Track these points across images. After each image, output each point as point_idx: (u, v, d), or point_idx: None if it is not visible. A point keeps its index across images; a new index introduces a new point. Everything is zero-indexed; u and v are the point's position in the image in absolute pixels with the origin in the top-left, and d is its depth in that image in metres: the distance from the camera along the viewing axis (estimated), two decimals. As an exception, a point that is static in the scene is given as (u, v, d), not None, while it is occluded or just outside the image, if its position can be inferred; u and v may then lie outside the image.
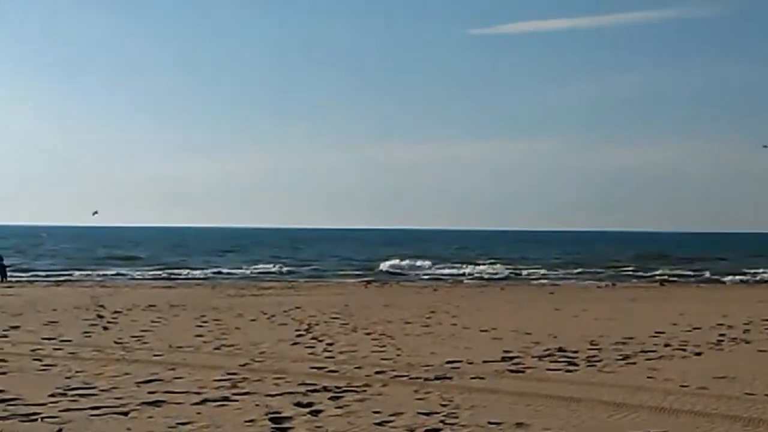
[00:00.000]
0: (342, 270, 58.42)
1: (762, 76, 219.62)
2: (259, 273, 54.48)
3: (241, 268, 57.40)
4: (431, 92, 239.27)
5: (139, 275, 50.16)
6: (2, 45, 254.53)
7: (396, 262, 61.79)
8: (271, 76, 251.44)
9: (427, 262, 61.91)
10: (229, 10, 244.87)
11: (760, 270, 59.84)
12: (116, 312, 23.42)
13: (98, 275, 49.74)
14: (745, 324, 21.21)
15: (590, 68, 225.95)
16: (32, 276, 48.22)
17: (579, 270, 59.92)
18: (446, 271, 58.20)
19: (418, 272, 56.85)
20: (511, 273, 56.90)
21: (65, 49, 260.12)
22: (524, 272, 57.20)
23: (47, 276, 48.39)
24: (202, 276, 50.97)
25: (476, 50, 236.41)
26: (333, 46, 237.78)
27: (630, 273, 58.27)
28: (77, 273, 51.48)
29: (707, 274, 57.08)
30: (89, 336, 17.93)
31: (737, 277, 54.23)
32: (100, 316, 22.17)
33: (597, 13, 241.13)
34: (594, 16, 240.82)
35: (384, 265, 60.45)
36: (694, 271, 60.05)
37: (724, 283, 50.49)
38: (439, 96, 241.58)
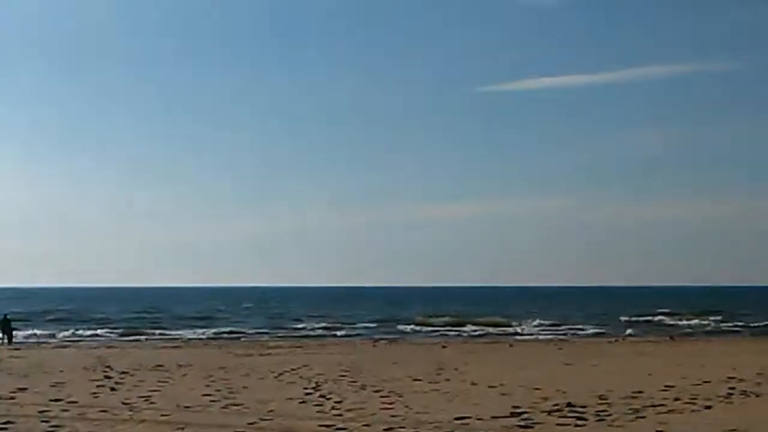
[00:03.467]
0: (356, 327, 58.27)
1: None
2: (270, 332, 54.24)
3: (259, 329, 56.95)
4: (439, 150, 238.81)
5: (145, 338, 49.91)
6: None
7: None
8: (268, 131, 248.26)
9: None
10: (220, 58, 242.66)
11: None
12: (123, 372, 23.36)
13: (105, 337, 49.67)
14: (756, 376, 21.09)
15: (599, 127, 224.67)
16: (38, 338, 48.12)
17: (593, 325, 59.85)
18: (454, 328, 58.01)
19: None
20: (514, 330, 56.77)
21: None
22: (525, 329, 57.12)
23: (53, 338, 48.35)
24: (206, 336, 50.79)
25: (484, 107, 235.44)
26: (337, 100, 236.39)
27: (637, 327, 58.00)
28: (84, 334, 51.46)
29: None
30: (97, 397, 17.89)
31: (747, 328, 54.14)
32: (108, 377, 22.13)
33: (611, 69, 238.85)
34: (609, 73, 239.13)
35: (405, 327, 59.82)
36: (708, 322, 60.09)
37: (736, 333, 50.22)
38: (448, 154, 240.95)
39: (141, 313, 79.84)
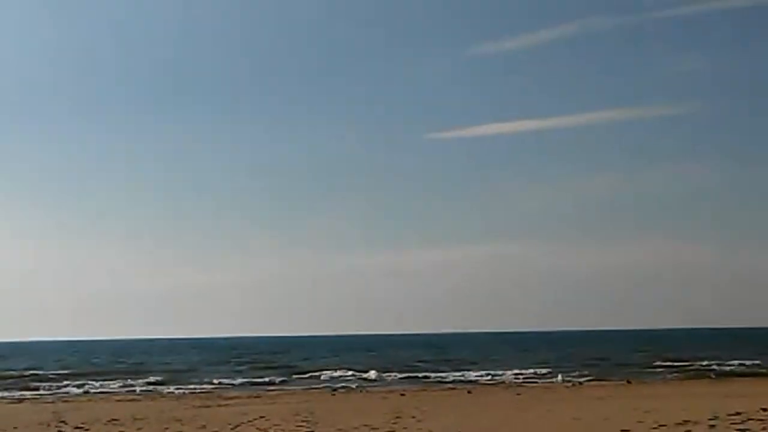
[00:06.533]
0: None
1: (726, 178, 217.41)
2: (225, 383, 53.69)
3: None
4: (403, 199, 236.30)
5: (106, 389, 49.32)
6: None
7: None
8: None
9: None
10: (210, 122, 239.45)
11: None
12: (78, 428, 23.14)
13: (62, 390, 49.02)
14: (710, 420, 21.21)
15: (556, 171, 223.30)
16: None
17: (547, 370, 59.77)
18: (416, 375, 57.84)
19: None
20: (477, 376, 56.60)
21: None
22: (490, 375, 56.99)
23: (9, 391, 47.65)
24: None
25: (439, 154, 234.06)
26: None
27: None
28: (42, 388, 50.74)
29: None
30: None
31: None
32: (61, 432, 21.92)
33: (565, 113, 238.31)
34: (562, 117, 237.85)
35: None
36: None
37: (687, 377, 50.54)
38: (414, 202, 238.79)
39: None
